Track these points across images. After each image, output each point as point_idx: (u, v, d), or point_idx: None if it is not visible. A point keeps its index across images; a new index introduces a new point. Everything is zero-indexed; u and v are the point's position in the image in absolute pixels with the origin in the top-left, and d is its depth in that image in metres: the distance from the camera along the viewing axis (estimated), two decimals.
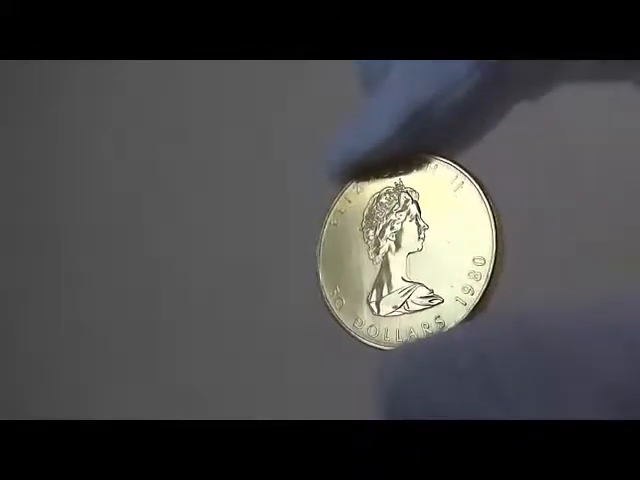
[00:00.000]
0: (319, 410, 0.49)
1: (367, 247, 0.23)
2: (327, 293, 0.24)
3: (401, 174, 0.23)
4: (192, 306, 0.51)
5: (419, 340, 0.22)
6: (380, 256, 0.23)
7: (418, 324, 0.22)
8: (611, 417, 0.17)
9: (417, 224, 0.23)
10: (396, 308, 0.23)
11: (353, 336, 0.23)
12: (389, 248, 0.23)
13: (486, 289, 0.22)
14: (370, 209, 0.24)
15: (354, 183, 0.24)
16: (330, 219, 0.24)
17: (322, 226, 0.24)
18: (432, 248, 0.23)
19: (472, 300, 0.22)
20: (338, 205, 0.24)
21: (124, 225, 0.51)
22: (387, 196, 0.24)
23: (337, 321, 0.23)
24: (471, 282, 0.22)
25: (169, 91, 0.51)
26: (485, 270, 0.22)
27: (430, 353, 0.20)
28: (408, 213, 0.23)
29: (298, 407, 0.48)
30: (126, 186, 0.51)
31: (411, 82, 0.22)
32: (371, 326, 0.23)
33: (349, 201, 0.24)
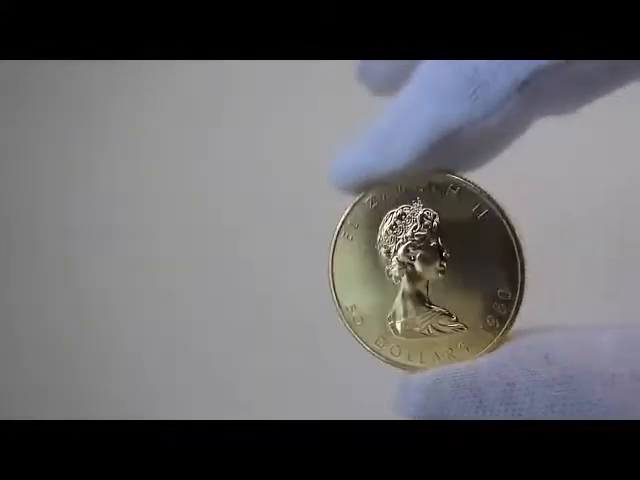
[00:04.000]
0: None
1: (385, 266, 0.23)
2: (343, 309, 0.23)
3: (420, 194, 0.22)
4: (211, 314, 0.50)
5: (445, 365, 0.21)
6: (400, 277, 0.23)
7: (442, 349, 0.22)
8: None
9: (439, 249, 0.22)
10: (419, 331, 0.22)
11: (374, 356, 0.23)
12: (410, 270, 0.22)
13: (511, 320, 0.22)
14: (388, 227, 0.23)
15: (368, 197, 0.23)
16: (343, 232, 0.23)
17: (334, 239, 0.23)
18: (455, 274, 0.22)
19: (497, 329, 0.22)
20: (351, 218, 0.23)
21: (126, 226, 0.51)
22: (405, 215, 0.23)
23: (356, 339, 0.23)
24: (496, 311, 0.22)
25: (171, 91, 0.51)
26: (510, 300, 0.22)
27: (455, 380, 0.20)
28: (430, 236, 0.22)
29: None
30: (131, 186, 0.51)
31: (441, 104, 0.21)
32: (393, 346, 0.23)
33: (363, 215, 0.23)
